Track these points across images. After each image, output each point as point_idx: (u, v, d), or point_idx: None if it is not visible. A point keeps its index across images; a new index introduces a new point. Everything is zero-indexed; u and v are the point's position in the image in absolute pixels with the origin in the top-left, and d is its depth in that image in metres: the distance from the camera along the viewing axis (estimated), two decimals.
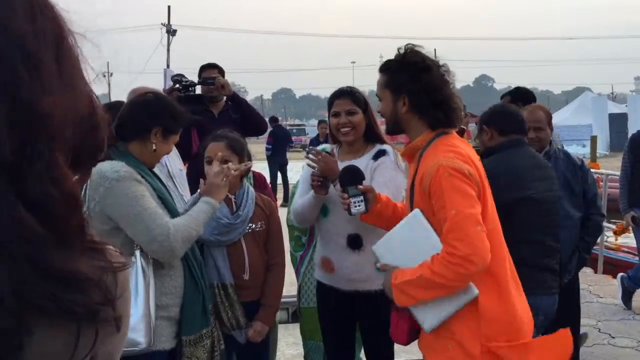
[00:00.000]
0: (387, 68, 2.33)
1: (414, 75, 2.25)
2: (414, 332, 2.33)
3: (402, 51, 2.31)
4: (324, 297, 3.06)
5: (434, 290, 2.12)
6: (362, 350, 3.21)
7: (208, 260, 2.74)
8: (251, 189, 2.95)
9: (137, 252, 2.23)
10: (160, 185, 2.41)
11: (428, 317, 2.19)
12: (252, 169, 3.69)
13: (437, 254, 2.10)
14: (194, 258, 2.45)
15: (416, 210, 2.21)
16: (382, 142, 2.96)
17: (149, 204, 2.23)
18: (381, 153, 2.91)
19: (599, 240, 6.59)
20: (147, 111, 2.38)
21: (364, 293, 2.87)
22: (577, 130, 27.28)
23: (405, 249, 2.22)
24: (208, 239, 2.73)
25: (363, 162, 2.85)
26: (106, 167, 2.22)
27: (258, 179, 3.70)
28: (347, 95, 2.88)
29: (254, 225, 2.84)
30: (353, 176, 2.51)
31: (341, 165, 2.75)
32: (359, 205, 2.46)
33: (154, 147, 2.34)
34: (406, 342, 2.40)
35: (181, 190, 3.04)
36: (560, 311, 3.49)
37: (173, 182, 3.05)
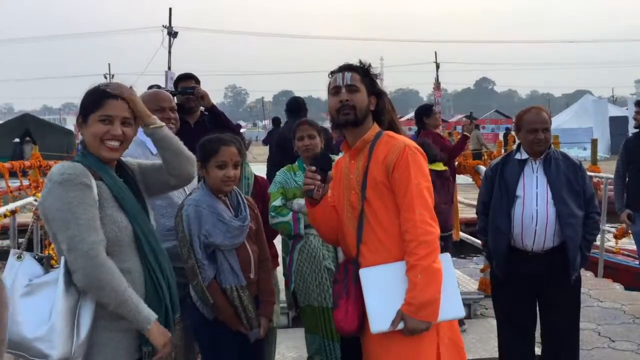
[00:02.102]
0: (364, 72, 2.66)
1: (379, 86, 2.71)
2: (363, 320, 2.48)
3: (367, 65, 2.68)
4: None
5: (433, 268, 2.38)
6: None
7: (223, 265, 2.80)
8: (237, 189, 2.99)
9: (63, 259, 2.09)
10: (120, 185, 2.25)
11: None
12: (255, 172, 3.74)
13: (408, 250, 2.41)
14: (157, 263, 2.26)
15: (361, 271, 2.49)
16: None
17: (83, 213, 2.07)
18: None
19: (599, 244, 6.63)
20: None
21: None
22: (577, 133, 27.34)
23: (388, 296, 2.42)
24: (223, 243, 2.79)
25: None
26: (56, 169, 2.14)
27: (261, 183, 3.72)
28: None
29: (251, 224, 2.92)
30: (330, 163, 2.62)
31: None
32: (321, 191, 2.59)
33: (80, 137, 2.27)
34: (356, 331, 2.52)
35: (188, 192, 3.01)
36: (560, 310, 3.51)
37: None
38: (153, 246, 2.28)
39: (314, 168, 2.57)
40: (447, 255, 2.55)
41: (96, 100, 2.22)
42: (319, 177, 2.56)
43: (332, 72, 2.69)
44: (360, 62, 2.68)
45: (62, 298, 2.05)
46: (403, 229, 2.45)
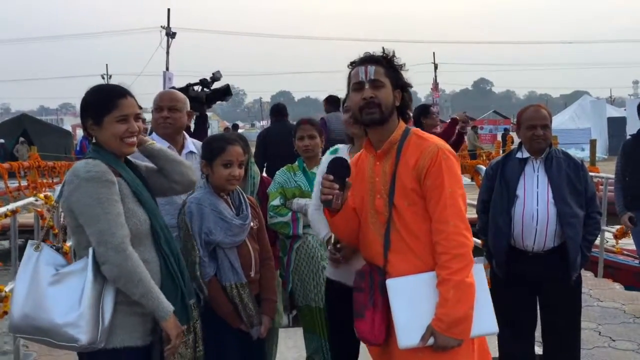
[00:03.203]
0: (388, 63, 2.45)
1: (404, 79, 2.50)
2: (389, 329, 2.36)
3: (390, 54, 2.47)
4: (332, 293, 3.09)
5: (466, 283, 2.24)
6: None
7: (224, 262, 2.82)
8: (239, 188, 3.00)
9: (91, 250, 2.21)
10: (135, 179, 2.39)
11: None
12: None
13: (440, 263, 2.26)
14: (171, 253, 2.40)
15: (388, 282, 2.34)
16: None
17: (112, 208, 2.21)
18: None
19: (599, 244, 6.63)
20: (80, 108, 2.37)
21: None
22: (575, 134, 27.31)
23: (417, 310, 2.29)
24: (224, 241, 2.80)
25: None
26: (80, 166, 2.26)
27: (266, 182, 3.72)
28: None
29: (252, 224, 2.93)
30: (348, 170, 2.42)
31: None
32: (339, 200, 2.41)
33: (93, 140, 2.35)
34: (384, 342, 2.39)
35: None
36: (561, 310, 3.51)
37: None
38: (168, 237, 2.42)
39: (331, 177, 2.36)
40: (480, 266, 2.40)
41: (109, 101, 2.32)
42: (337, 185, 2.35)
43: (353, 64, 2.47)
44: (384, 51, 2.46)
45: (91, 287, 2.19)
46: (435, 239, 2.29)
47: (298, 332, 4.52)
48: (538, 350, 3.76)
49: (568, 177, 3.42)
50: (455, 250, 2.25)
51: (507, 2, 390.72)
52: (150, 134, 3.30)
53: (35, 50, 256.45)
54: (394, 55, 2.46)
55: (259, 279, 2.95)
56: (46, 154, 16.93)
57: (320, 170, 3.19)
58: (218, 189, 2.88)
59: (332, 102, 7.27)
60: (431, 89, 37.19)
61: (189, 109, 3.36)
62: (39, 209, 5.07)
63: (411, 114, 2.52)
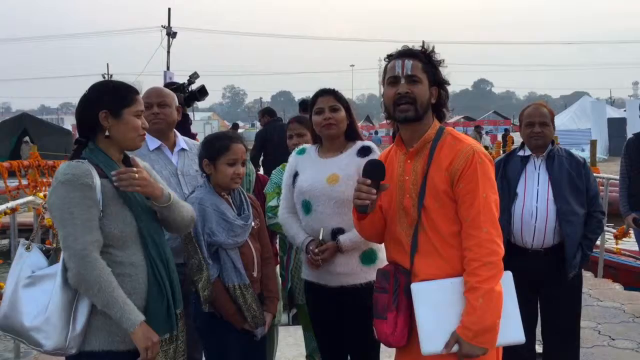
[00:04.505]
0: (426, 59, 2.37)
1: (442, 75, 2.41)
2: (412, 331, 2.31)
3: (429, 49, 2.39)
4: (313, 296, 3.09)
5: (496, 292, 2.19)
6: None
7: (226, 263, 2.77)
8: (240, 188, 2.97)
9: (62, 254, 2.18)
10: None
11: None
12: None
13: (469, 270, 2.20)
14: (159, 258, 2.33)
15: (413, 287, 2.26)
16: (362, 139, 3.07)
17: (81, 213, 2.14)
18: (367, 150, 2.98)
19: (599, 244, 6.62)
20: (89, 99, 2.31)
21: (349, 288, 2.90)
22: (576, 135, 27.32)
23: (442, 315, 2.23)
24: (226, 242, 2.77)
25: (345, 159, 2.95)
26: (61, 168, 2.21)
27: (262, 180, 3.72)
28: (330, 93, 3.01)
29: (253, 224, 2.90)
30: (384, 172, 2.29)
31: (320, 162, 2.96)
32: (374, 204, 2.31)
33: (106, 133, 2.27)
34: (406, 343, 2.32)
35: (185, 189, 3.05)
36: (561, 308, 3.51)
37: (177, 179, 3.07)
38: (157, 242, 2.34)
39: (368, 181, 2.25)
40: (509, 274, 2.32)
41: (128, 95, 2.33)
42: (374, 190, 2.25)
43: (390, 57, 2.38)
44: (423, 45, 2.37)
45: (59, 291, 2.16)
46: (465, 245, 2.22)
47: (298, 330, 4.53)
48: (538, 348, 3.76)
49: (569, 175, 3.43)
50: (487, 257, 2.18)
51: (507, 2, 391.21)
52: None
53: (36, 49, 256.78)
54: (433, 50, 2.37)
55: (261, 278, 2.93)
56: (46, 153, 16.93)
57: (286, 174, 3.15)
58: (221, 187, 2.85)
59: (305, 108, 7.52)
60: None
61: (177, 104, 3.31)
62: (38, 208, 5.08)
63: (445, 113, 2.44)
